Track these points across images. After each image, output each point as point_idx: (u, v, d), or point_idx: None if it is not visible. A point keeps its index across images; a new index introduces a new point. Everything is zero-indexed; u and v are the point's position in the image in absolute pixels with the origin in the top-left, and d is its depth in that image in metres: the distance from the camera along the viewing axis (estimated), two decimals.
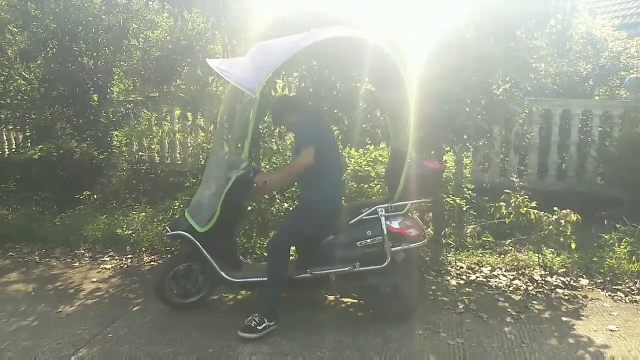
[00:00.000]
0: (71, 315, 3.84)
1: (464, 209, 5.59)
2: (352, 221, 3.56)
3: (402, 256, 3.62)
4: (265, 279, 3.52)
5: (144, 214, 5.70)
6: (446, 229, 5.45)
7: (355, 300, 3.98)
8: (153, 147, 7.64)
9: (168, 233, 3.78)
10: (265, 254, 4.94)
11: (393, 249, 3.53)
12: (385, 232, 3.51)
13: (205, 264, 3.66)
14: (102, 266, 4.95)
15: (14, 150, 8.00)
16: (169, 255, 4.21)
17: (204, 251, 3.58)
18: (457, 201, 5.54)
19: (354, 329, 3.55)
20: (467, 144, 4.86)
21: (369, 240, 3.54)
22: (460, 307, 3.90)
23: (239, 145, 3.76)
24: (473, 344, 3.33)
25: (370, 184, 5.88)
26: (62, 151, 6.48)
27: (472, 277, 4.53)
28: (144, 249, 5.25)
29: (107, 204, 6.29)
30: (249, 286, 3.83)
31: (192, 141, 7.39)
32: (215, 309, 3.92)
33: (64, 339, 3.46)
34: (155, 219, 5.48)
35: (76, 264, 5.04)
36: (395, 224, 3.57)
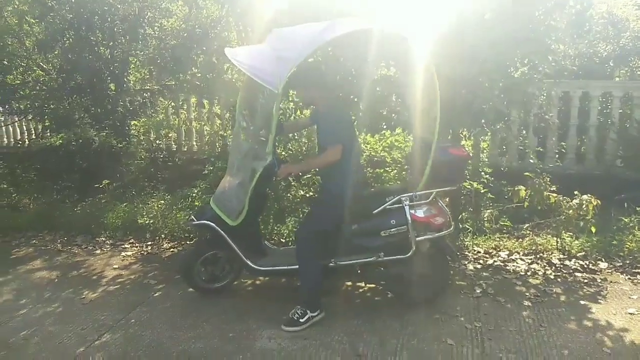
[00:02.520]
0: (94, 302, 3.93)
1: (482, 193, 5.56)
2: (376, 211, 3.51)
3: (428, 245, 3.59)
4: (291, 267, 3.56)
5: (162, 201, 5.78)
6: (463, 214, 5.43)
7: (373, 285, 4.01)
8: (170, 135, 7.71)
9: (194, 222, 3.79)
10: (283, 240, 5.01)
11: (418, 238, 3.47)
12: (409, 221, 3.45)
13: (231, 252, 3.69)
14: (123, 253, 5.04)
15: (34, 140, 8.13)
16: (196, 242, 4.23)
17: (229, 240, 3.62)
18: (475, 185, 5.52)
19: (372, 313, 3.58)
20: (485, 128, 4.81)
21: (393, 230, 3.47)
22: (478, 291, 3.90)
23: (262, 138, 3.67)
24: (491, 328, 3.34)
25: (387, 169, 5.88)
26: (81, 140, 6.57)
27: (490, 261, 4.51)
28: (163, 236, 5.33)
29: (126, 192, 6.38)
30: (275, 274, 3.85)
31: (208, 129, 7.44)
32: (235, 294, 3.96)
33: (88, 325, 3.56)
34: (174, 207, 5.56)
35: (98, 251, 5.15)
36: (420, 213, 3.50)
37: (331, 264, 3.55)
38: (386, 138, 6.14)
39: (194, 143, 7.60)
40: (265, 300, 3.72)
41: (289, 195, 5.47)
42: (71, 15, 6.48)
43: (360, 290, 4.00)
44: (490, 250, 4.76)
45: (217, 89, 5.81)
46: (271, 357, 3.09)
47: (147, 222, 5.45)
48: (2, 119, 8.44)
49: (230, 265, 3.92)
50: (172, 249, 5.09)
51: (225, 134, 6.79)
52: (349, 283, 4.09)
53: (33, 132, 8.37)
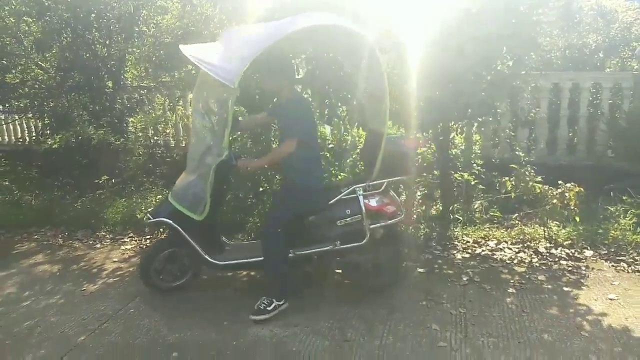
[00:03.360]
0: (95, 293, 4.07)
1: (472, 184, 5.68)
2: (331, 201, 3.67)
3: (381, 233, 3.77)
4: (250, 259, 3.70)
5: (160, 196, 5.91)
6: (455, 205, 5.55)
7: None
8: (168, 131, 7.83)
9: (149, 220, 3.80)
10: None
11: (372, 226, 3.67)
12: (363, 210, 3.64)
13: (190, 248, 3.73)
14: (122, 247, 5.18)
15: (34, 138, 8.25)
16: (153, 242, 4.21)
17: (187, 237, 3.66)
18: (466, 177, 5.64)
19: (361, 301, 3.71)
20: (472, 121, 4.92)
21: (348, 219, 3.65)
22: (464, 279, 4.03)
23: (220, 133, 3.68)
24: (475, 314, 3.47)
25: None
26: (80, 138, 6.68)
27: (478, 250, 4.65)
28: (161, 230, 5.46)
29: (125, 187, 6.51)
30: (233, 268, 3.92)
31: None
32: (228, 286, 4.10)
33: (88, 315, 3.70)
34: None
35: (98, 245, 5.29)
36: (373, 202, 3.70)
37: (290, 255, 3.66)
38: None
39: (192, 139, 7.70)
40: (259, 291, 3.85)
41: None
42: (68, 14, 6.58)
43: (350, 279, 4.12)
44: (479, 240, 4.89)
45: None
46: (264, 342, 3.23)
47: (144, 217, 5.58)
48: (3, 117, 8.56)
49: (189, 263, 3.94)
50: None
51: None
52: (339, 271, 4.22)
53: (33, 130, 8.49)
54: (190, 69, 6.05)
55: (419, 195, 5.92)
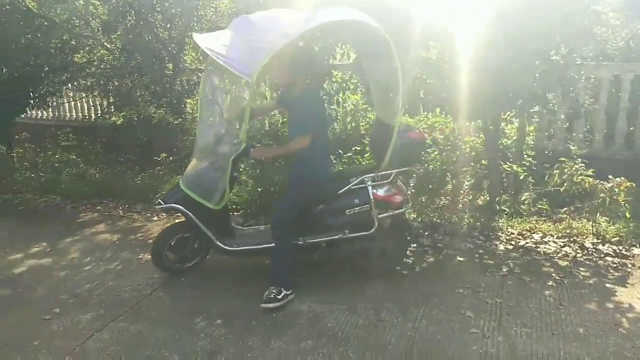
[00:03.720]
0: (149, 262, 4.32)
1: (521, 176, 5.60)
2: (340, 191, 3.72)
3: (389, 222, 3.85)
4: (261, 246, 3.78)
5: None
6: (502, 196, 5.50)
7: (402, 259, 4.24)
8: None
9: (160, 206, 3.88)
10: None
11: (380, 215, 3.73)
12: (372, 200, 3.70)
13: (201, 234, 3.83)
14: (176, 220, 5.46)
15: (99, 115, 8.76)
16: (165, 227, 4.25)
17: (198, 222, 3.74)
18: (515, 168, 5.57)
19: (398, 285, 3.82)
20: (522, 111, 4.85)
21: (357, 209, 3.71)
22: (504, 270, 4.04)
23: (236, 126, 3.79)
24: (511, 304, 3.50)
25: (428, 150, 6.00)
26: (141, 116, 7.06)
27: (522, 242, 4.61)
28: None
29: (181, 165, 6.82)
30: (244, 254, 3.94)
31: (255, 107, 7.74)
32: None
33: (142, 281, 4.00)
34: None
35: (155, 218, 5.63)
36: (381, 192, 3.75)
37: (300, 242, 3.72)
38: (427, 119, 6.24)
39: None
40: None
41: None
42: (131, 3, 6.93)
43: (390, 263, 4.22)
44: (524, 232, 4.84)
45: (265, 68, 6.08)
46: (301, 316, 3.41)
47: None
48: (71, 95, 9.11)
49: (199, 245, 4.05)
50: None
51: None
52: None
53: (99, 107, 8.99)
54: None
55: (466, 185, 5.90)
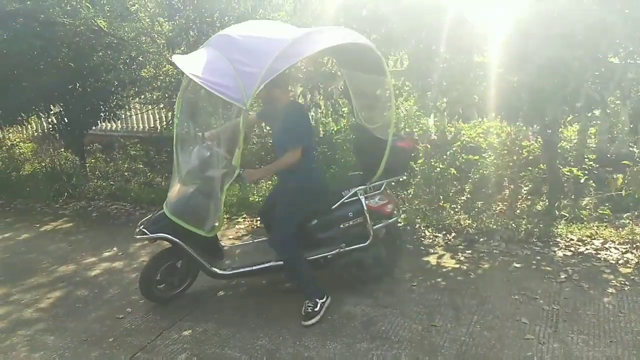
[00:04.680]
0: None
1: (582, 180, 5.46)
2: (334, 206, 3.72)
3: (384, 232, 3.87)
4: (256, 267, 3.75)
5: (270, 182, 6.41)
6: (562, 201, 5.38)
7: (456, 265, 4.26)
8: None
9: (145, 236, 3.61)
10: None
11: (375, 227, 3.75)
12: (366, 212, 3.71)
13: (193, 261, 3.71)
14: (237, 226, 5.74)
15: (164, 126, 9.22)
16: (151, 258, 3.98)
17: (190, 250, 3.61)
18: (575, 172, 5.44)
19: (452, 290, 3.85)
20: (580, 114, 4.75)
21: (351, 222, 3.72)
22: (562, 276, 3.98)
23: (226, 149, 3.45)
24: (568, 311, 3.45)
25: (483, 155, 5.97)
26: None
27: (581, 249, 4.51)
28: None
29: None
30: (241, 276, 3.85)
31: (311, 116, 7.95)
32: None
33: (206, 284, 4.15)
34: None
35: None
36: (373, 203, 3.77)
37: None
38: (481, 124, 6.21)
39: None
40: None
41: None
42: (194, 15, 7.29)
43: (444, 269, 4.26)
44: (584, 239, 4.72)
45: (317, 80, 6.25)
46: (355, 319, 3.52)
47: (257, 199, 6.11)
48: (139, 107, 9.65)
49: (187, 270, 3.93)
50: None
51: (325, 121, 7.27)
52: (433, 262, 4.38)
53: (164, 119, 9.47)
54: (299, 65, 6.45)
55: (524, 190, 5.81)
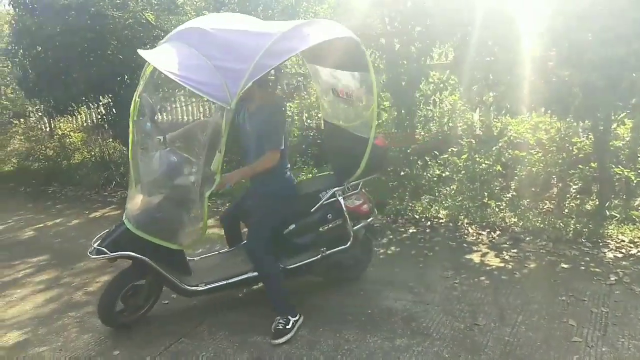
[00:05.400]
0: None
1: (634, 180, 5.24)
2: (313, 209, 3.57)
3: (363, 232, 3.77)
4: (230, 280, 3.47)
5: (310, 174, 6.44)
6: (613, 201, 5.18)
7: (501, 264, 4.17)
8: (320, 116, 8.35)
9: (103, 255, 3.14)
10: (416, 216, 5.31)
11: (354, 227, 3.65)
12: (345, 213, 3.59)
13: (162, 278, 3.35)
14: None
15: (207, 118, 9.38)
16: (110, 281, 3.52)
17: (159, 268, 3.24)
18: (626, 172, 5.23)
19: (495, 289, 3.77)
20: (634, 110, 4.55)
21: (330, 224, 3.60)
22: (612, 278, 3.83)
23: (200, 155, 3.11)
24: (618, 314, 3.32)
25: (530, 151, 5.81)
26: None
27: (633, 251, 4.33)
28: None
29: None
30: (215, 291, 3.50)
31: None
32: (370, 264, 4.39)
33: None
34: None
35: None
36: (351, 204, 3.67)
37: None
38: (530, 119, 6.04)
39: None
40: (390, 268, 4.06)
41: (425, 174, 5.74)
42: (239, 8, 7.36)
43: (488, 267, 4.17)
44: (636, 240, 4.53)
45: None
46: (395, 314, 3.49)
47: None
48: (183, 100, 9.82)
49: (149, 291, 3.53)
50: None
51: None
52: (477, 260, 4.29)
53: (208, 111, 9.61)
54: None
55: (573, 189, 5.63)
